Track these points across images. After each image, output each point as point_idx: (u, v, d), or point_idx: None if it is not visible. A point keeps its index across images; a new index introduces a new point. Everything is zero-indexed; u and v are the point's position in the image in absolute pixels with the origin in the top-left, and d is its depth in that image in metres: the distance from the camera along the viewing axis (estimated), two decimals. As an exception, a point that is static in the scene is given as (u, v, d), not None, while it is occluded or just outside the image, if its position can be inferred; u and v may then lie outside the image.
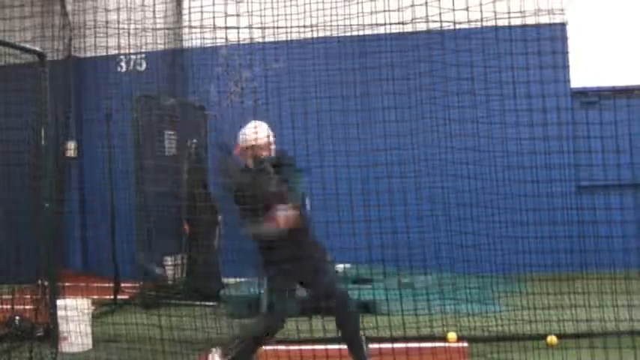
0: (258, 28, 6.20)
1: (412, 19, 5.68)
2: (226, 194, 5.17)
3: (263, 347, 5.23)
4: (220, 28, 5.90)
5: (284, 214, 4.75)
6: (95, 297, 7.02)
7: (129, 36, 6.75)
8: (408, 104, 6.16)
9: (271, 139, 5.09)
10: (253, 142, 5.02)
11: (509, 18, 5.50)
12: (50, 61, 6.51)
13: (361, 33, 6.49)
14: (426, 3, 5.44)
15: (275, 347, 5.58)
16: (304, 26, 6.22)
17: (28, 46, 6.48)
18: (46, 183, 6.25)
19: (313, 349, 5.26)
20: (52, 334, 6.10)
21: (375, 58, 6.39)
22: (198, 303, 7.64)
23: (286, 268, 4.78)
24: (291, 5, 6.18)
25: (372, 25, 5.90)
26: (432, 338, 5.70)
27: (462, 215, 6.15)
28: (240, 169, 5.15)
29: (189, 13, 6.49)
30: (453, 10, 5.49)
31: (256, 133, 5.04)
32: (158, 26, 7.46)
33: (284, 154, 5.20)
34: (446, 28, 5.69)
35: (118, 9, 6.61)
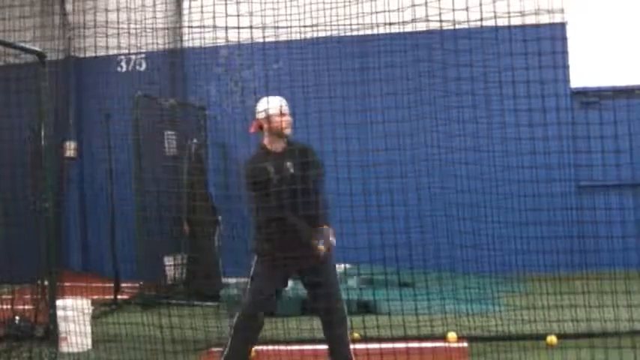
0: (259, 28, 6.20)
1: (412, 19, 5.68)
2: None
3: (254, 349, 5.13)
4: (220, 28, 5.90)
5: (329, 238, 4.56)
6: (95, 297, 7.02)
7: (129, 36, 6.75)
8: (407, 104, 6.17)
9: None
10: (276, 111, 4.60)
11: (509, 18, 5.50)
12: (50, 61, 6.51)
13: (361, 33, 6.49)
14: (426, 3, 5.44)
15: (275, 347, 5.58)
16: (305, 26, 6.22)
17: (28, 46, 6.47)
18: (46, 183, 6.24)
19: (313, 349, 5.26)
20: (51, 334, 6.10)
21: (375, 58, 6.39)
22: (198, 303, 7.64)
23: (280, 257, 4.54)
24: (291, 5, 6.17)
25: (372, 25, 5.89)
26: (432, 338, 5.70)
27: (462, 215, 6.15)
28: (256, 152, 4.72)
29: (189, 13, 6.49)
30: (453, 10, 5.49)
31: (281, 102, 4.66)
32: (158, 26, 7.45)
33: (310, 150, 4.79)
34: (446, 28, 5.69)
35: (118, 9, 6.61)
